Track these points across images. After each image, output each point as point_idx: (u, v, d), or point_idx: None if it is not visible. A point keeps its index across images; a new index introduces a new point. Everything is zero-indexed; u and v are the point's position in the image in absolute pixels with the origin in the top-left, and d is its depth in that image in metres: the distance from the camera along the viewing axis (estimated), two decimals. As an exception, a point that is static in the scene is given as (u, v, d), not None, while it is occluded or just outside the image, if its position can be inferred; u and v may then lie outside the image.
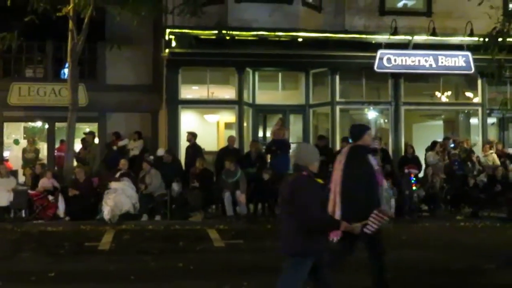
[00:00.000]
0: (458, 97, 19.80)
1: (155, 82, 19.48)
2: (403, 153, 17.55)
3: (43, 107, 18.81)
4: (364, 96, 18.85)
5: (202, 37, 17.25)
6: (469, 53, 17.99)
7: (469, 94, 19.59)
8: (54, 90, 18.79)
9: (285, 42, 17.76)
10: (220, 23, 16.97)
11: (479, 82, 18.90)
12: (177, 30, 17.17)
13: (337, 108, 18.38)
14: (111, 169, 15.71)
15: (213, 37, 17.05)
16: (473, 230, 14.00)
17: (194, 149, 16.52)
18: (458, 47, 18.32)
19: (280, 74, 19.05)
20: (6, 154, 19.54)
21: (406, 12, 19.35)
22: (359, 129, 7.34)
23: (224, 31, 16.81)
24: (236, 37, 17.26)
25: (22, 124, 20.75)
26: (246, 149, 17.23)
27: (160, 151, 16.70)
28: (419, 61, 18.08)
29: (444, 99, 19.30)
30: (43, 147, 19.58)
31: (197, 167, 15.53)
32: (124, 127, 18.87)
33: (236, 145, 17.06)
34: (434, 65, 18.13)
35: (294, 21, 17.78)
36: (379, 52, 17.85)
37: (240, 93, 18.02)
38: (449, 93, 19.34)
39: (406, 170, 15.85)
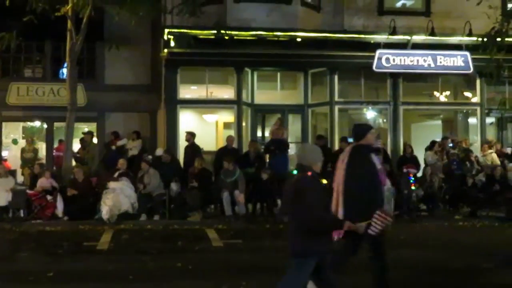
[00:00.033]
0: (457, 97, 19.81)
1: (153, 82, 19.47)
2: (401, 153, 17.55)
3: (41, 107, 18.81)
4: (362, 96, 18.84)
5: (201, 37, 17.25)
6: (467, 53, 18.00)
7: (467, 94, 19.59)
8: (53, 90, 18.79)
9: (284, 42, 17.76)
10: (219, 23, 16.95)
11: (478, 82, 18.91)
12: (175, 30, 17.17)
13: (336, 108, 18.38)
14: (110, 169, 15.71)
15: (212, 37, 17.03)
16: (471, 230, 14.01)
17: (193, 149, 16.53)
18: (457, 47, 18.33)
19: (278, 74, 19.04)
20: (4, 153, 19.55)
21: (404, 12, 19.38)
22: (362, 128, 7.31)
23: (222, 31, 16.78)
24: (235, 37, 17.25)
25: (21, 124, 20.75)
26: (245, 149, 17.22)
27: (159, 151, 16.69)
28: (417, 61, 18.10)
29: (442, 98, 19.30)
30: (41, 147, 19.58)
31: (195, 167, 15.53)
32: (122, 127, 18.86)
33: (234, 145, 17.06)
34: (432, 65, 18.14)
35: (293, 21, 17.78)
36: (378, 52, 17.86)
37: (238, 93, 18.02)
38: (448, 93, 19.34)
39: (404, 170, 15.85)
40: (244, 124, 18.30)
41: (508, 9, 18.08)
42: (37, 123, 20.66)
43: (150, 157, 16.54)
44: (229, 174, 15.05)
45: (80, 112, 17.06)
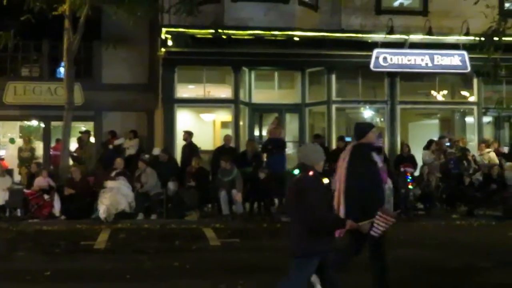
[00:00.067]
0: (454, 96, 19.82)
1: (151, 81, 19.47)
2: (399, 152, 17.57)
3: (39, 106, 18.81)
4: (360, 95, 18.85)
5: (198, 36, 17.23)
6: (465, 52, 18.01)
7: (465, 93, 19.60)
8: (50, 89, 18.79)
9: (282, 41, 17.75)
10: (216, 22, 16.95)
11: (475, 81, 18.92)
12: (173, 29, 17.14)
13: (333, 107, 18.39)
14: (107, 168, 15.71)
15: (209, 36, 17.01)
16: (468, 229, 14.02)
17: (190, 148, 16.52)
18: (454, 46, 18.34)
19: (276, 73, 19.02)
20: (1, 153, 19.55)
21: (402, 11, 19.37)
22: (363, 127, 7.29)
23: (220, 30, 16.77)
24: (232, 36, 17.23)
25: (18, 123, 20.70)
26: (242, 148, 17.21)
27: (156, 150, 16.70)
28: (415, 60, 18.11)
29: (440, 98, 19.32)
30: (39, 146, 19.54)
31: (193, 166, 15.53)
32: (120, 126, 18.86)
33: (232, 144, 17.06)
34: (430, 64, 18.15)
35: (290, 20, 17.77)
36: (375, 51, 17.87)
37: (236, 92, 18.02)
38: (445, 92, 19.36)
39: (402, 169, 15.88)
40: (241, 123, 18.29)
41: (505, 8, 18.12)
42: (34, 122, 20.64)
43: (147, 156, 16.53)
44: (227, 173, 15.05)
45: (77, 111, 17.05)
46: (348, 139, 16.44)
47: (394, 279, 7.25)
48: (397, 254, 9.44)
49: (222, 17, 17.45)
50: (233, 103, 18.07)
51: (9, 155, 19.33)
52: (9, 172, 16.74)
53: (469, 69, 18.12)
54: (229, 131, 17.93)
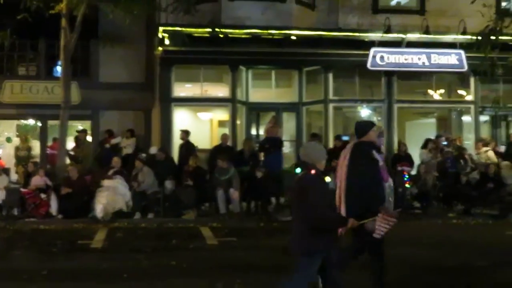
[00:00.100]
0: (451, 95, 19.84)
1: (148, 80, 19.44)
2: (396, 151, 17.58)
3: (35, 105, 18.74)
4: (357, 94, 18.87)
5: (195, 35, 17.23)
6: (462, 51, 18.04)
7: (461, 92, 19.63)
8: (47, 88, 18.72)
9: (279, 40, 17.76)
10: (214, 21, 16.93)
11: (472, 80, 18.95)
12: (170, 28, 17.14)
13: (330, 106, 18.40)
14: (104, 167, 15.70)
15: (207, 35, 17.00)
16: (465, 228, 14.04)
17: (187, 147, 16.52)
18: (451, 45, 18.37)
19: (273, 72, 19.03)
20: (-2, 152, 19.51)
21: (399, 10, 19.38)
22: (364, 125, 7.30)
23: (217, 29, 16.74)
24: (230, 35, 17.20)
25: (15, 122, 20.66)
26: (239, 147, 17.22)
27: (153, 149, 16.68)
28: (412, 59, 18.13)
29: (437, 97, 19.34)
30: (35, 145, 19.50)
31: (190, 165, 15.53)
32: (117, 125, 18.83)
33: (229, 143, 17.06)
34: (427, 63, 18.18)
35: (288, 19, 17.78)
36: (372, 50, 17.89)
37: (233, 91, 18.02)
38: (442, 91, 19.39)
39: (399, 168, 15.91)
40: (238, 122, 18.30)
41: (502, 7, 18.10)
42: (31, 121, 20.59)
43: (144, 155, 16.51)
44: (224, 172, 15.05)
45: (74, 110, 17.02)
46: (345, 138, 16.48)
47: (391, 278, 7.26)
48: (393, 253, 9.44)
49: (219, 16, 17.44)
50: (230, 102, 18.07)
51: (6, 154, 19.29)
52: (6, 171, 16.70)
53: (466, 68, 18.14)
54: (226, 130, 17.94)
